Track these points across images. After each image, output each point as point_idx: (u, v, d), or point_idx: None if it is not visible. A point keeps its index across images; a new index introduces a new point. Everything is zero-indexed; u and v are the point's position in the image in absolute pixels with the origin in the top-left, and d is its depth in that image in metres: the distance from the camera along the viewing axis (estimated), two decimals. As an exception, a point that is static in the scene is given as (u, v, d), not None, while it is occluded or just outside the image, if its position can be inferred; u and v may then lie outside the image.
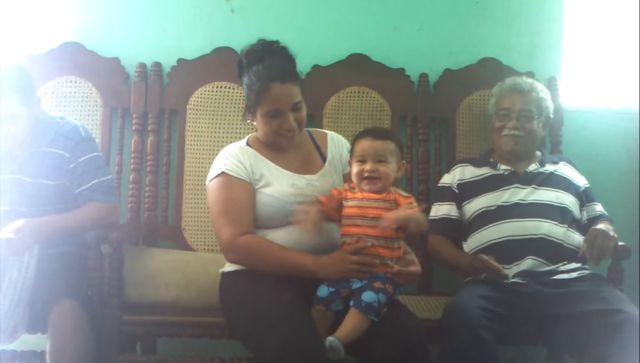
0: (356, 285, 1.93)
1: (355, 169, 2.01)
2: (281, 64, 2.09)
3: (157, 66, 2.77)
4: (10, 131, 2.14)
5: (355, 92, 2.78)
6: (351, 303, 1.91)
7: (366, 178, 1.98)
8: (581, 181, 2.48)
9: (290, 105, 2.07)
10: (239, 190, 2.07)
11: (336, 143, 2.25)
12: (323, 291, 1.94)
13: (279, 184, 2.09)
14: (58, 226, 2.16)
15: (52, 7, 2.81)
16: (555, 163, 2.50)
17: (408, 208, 1.94)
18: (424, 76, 2.80)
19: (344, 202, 2.00)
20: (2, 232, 2.03)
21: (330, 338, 1.84)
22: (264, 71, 2.07)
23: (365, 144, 2.00)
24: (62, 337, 2.02)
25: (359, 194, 1.99)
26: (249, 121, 2.17)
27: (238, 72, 2.16)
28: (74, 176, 2.23)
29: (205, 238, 2.66)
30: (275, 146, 2.15)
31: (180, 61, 2.77)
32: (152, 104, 2.74)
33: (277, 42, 2.13)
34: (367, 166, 1.98)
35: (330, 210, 1.99)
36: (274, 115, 2.07)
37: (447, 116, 2.79)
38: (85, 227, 2.17)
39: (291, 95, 2.07)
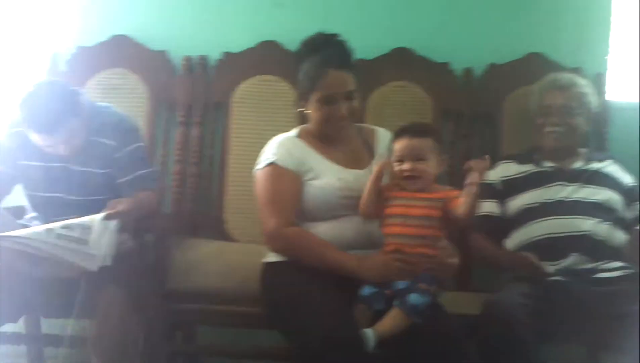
0: (400, 286, 1.93)
1: (395, 169, 2.01)
2: (338, 53, 2.13)
3: (203, 59, 2.82)
4: (74, 144, 2.21)
5: (398, 86, 2.78)
6: (395, 302, 1.90)
7: (406, 177, 1.98)
8: (627, 180, 2.43)
9: (343, 92, 2.09)
10: (287, 181, 2.09)
11: (385, 139, 2.23)
12: (366, 290, 1.94)
13: (327, 177, 2.11)
14: (137, 210, 2.19)
15: (101, 1, 2.88)
16: (601, 160, 2.45)
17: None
18: (468, 71, 2.78)
19: (388, 201, 1.99)
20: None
21: (364, 330, 1.85)
22: (320, 58, 2.11)
23: (402, 143, 1.99)
24: (105, 323, 2.08)
25: (404, 194, 1.98)
26: (301, 109, 2.19)
27: (296, 61, 2.20)
28: (119, 165, 2.28)
29: (246, 229, 2.69)
30: (326, 136, 2.16)
31: (226, 54, 2.81)
32: (197, 97, 2.78)
33: (336, 34, 2.18)
34: (405, 166, 1.97)
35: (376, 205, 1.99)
36: (328, 101, 2.09)
37: (492, 112, 2.76)
38: (144, 213, 2.22)
39: (345, 82, 2.10)
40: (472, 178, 1.89)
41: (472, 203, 1.90)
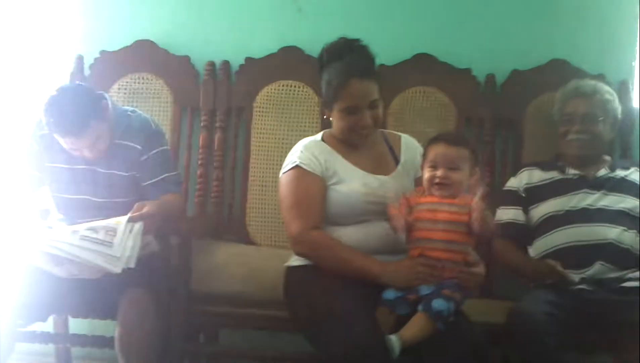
0: (425, 291, 1.92)
1: (426, 174, 2.00)
2: (361, 61, 2.11)
3: (226, 64, 2.83)
4: (99, 147, 2.22)
5: (420, 92, 2.77)
6: (420, 307, 1.89)
7: (437, 183, 1.97)
8: (652, 187, 2.41)
9: (367, 102, 2.08)
10: (312, 184, 2.09)
11: (410, 146, 2.24)
12: (390, 294, 1.93)
13: (351, 182, 2.10)
14: (162, 213, 2.20)
15: (126, 6, 2.91)
16: (627, 168, 2.43)
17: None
18: (490, 77, 2.77)
19: (414, 207, 1.98)
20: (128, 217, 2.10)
21: (390, 336, 1.84)
22: (343, 67, 2.09)
23: (438, 150, 1.98)
24: (130, 324, 2.09)
25: (431, 199, 1.98)
26: (325, 117, 2.19)
27: (319, 68, 2.18)
28: (145, 168, 2.29)
29: (268, 233, 2.71)
30: (349, 142, 2.16)
31: (248, 59, 2.82)
32: (220, 102, 2.80)
33: (358, 40, 2.15)
34: (439, 173, 1.96)
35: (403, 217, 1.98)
36: (351, 111, 2.08)
37: (514, 118, 2.75)
38: (169, 216, 2.23)
39: (369, 92, 2.08)
40: (477, 196, 1.91)
41: (481, 218, 1.91)
